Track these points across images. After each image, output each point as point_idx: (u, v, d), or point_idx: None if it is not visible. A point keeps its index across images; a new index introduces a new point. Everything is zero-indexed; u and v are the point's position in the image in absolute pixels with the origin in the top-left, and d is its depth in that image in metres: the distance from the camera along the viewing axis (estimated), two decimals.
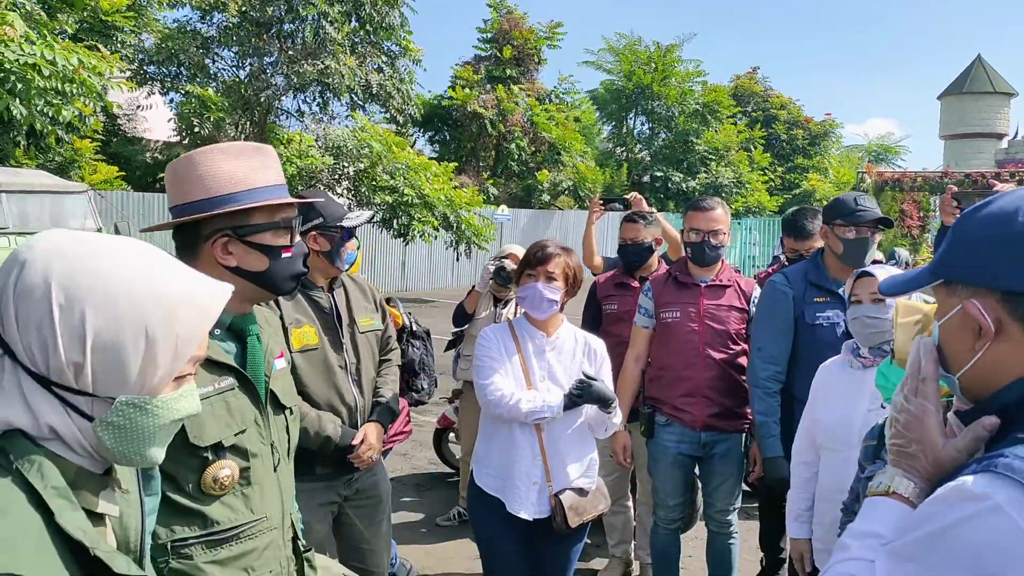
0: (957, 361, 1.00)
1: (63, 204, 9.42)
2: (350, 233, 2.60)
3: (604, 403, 2.57)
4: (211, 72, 16.71)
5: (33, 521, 0.86)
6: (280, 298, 2.36)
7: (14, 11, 10.65)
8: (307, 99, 17.69)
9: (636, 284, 3.73)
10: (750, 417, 3.21)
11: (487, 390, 2.56)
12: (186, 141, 16.33)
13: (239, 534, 1.59)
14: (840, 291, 2.89)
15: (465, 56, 24.39)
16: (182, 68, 16.19)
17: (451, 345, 4.68)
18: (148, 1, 15.90)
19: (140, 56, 15.81)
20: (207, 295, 1.02)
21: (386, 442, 3.06)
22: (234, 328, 1.65)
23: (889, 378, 1.80)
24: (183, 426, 1.46)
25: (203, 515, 1.55)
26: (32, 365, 0.92)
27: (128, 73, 14.67)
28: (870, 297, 2.41)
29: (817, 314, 2.99)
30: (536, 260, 2.63)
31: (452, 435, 5.30)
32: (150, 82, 16.26)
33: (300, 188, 14.21)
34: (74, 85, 10.05)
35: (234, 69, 17.15)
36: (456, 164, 18.94)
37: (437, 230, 15.83)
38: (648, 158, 27.82)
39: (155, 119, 17.42)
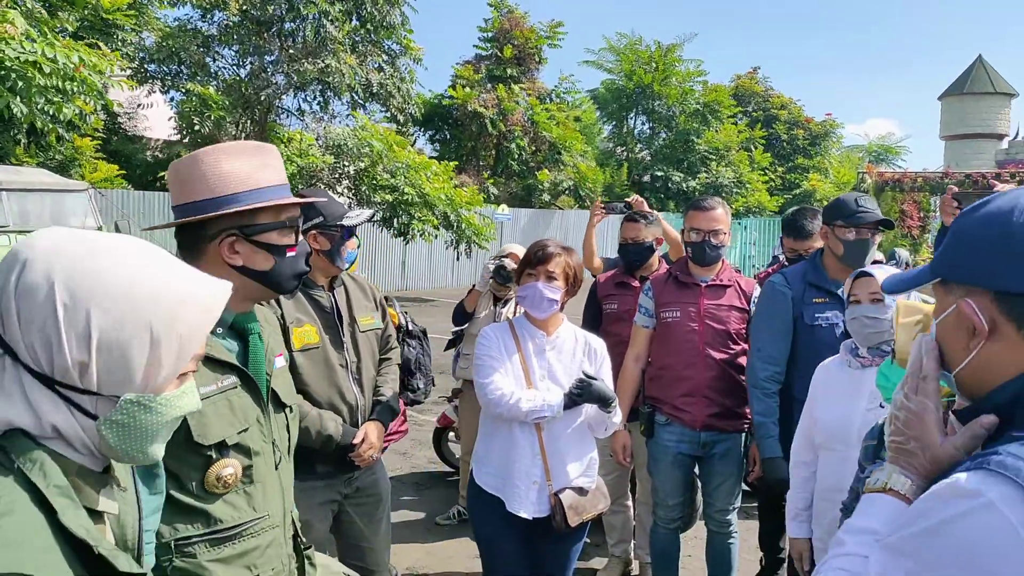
0: (953, 359, 1.01)
1: (63, 202, 9.42)
2: (350, 232, 2.60)
3: (604, 402, 2.57)
4: (212, 71, 16.72)
5: (37, 520, 0.87)
6: (281, 297, 2.36)
7: (15, 9, 10.66)
8: (307, 98, 17.74)
9: (636, 284, 3.73)
10: (750, 417, 3.21)
11: (487, 389, 2.56)
12: (186, 140, 16.35)
13: (242, 532, 1.59)
14: (839, 292, 2.89)
15: (466, 55, 24.45)
16: (183, 66, 16.20)
17: (451, 344, 4.68)
18: None
19: (141, 54, 15.82)
20: (209, 294, 1.02)
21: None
22: (236, 327, 1.66)
23: (890, 378, 1.80)
24: (187, 425, 1.48)
25: (207, 513, 1.55)
26: (35, 365, 0.92)
27: (129, 71, 14.68)
28: (869, 297, 2.41)
29: (816, 315, 2.98)
30: (536, 259, 2.63)
31: (452, 434, 5.31)
32: (151, 80, 16.27)
33: (301, 187, 14.19)
34: (75, 83, 10.05)
35: (235, 68, 17.18)
36: (456, 163, 18.93)
37: (437, 229, 15.83)
38: (648, 158, 27.82)
39: (156, 117, 17.42)
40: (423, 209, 15.34)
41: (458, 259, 17.74)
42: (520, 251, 4.15)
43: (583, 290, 3.17)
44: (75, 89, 10.10)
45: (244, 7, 15.87)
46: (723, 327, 3.23)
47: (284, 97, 17.39)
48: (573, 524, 2.57)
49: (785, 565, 3.38)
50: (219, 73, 16.95)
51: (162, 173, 14.02)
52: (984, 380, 0.97)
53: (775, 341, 3.02)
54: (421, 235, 15.79)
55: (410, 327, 3.98)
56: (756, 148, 28.55)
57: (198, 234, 1.59)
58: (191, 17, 16.60)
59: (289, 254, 1.64)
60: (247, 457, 1.61)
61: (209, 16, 16.39)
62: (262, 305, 1.86)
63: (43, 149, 13.03)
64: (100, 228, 9.30)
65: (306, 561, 1.77)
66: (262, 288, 1.65)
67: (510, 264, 4.19)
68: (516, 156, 22.20)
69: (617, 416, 2.67)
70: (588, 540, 3.22)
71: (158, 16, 16.63)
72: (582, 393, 2.52)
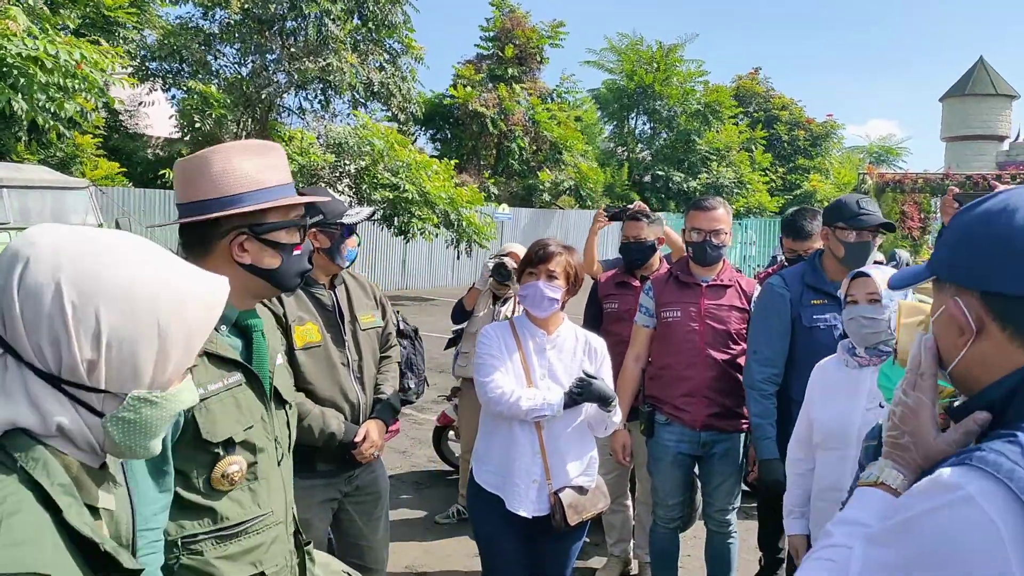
0: (947, 357, 1.02)
1: (64, 200, 9.42)
2: (350, 230, 2.60)
3: (604, 401, 2.57)
4: (213, 69, 16.72)
5: (44, 519, 0.87)
6: (283, 295, 2.37)
7: (17, 6, 10.65)
8: (309, 96, 17.74)
9: (637, 283, 3.73)
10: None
11: (487, 388, 2.57)
12: (187, 138, 16.35)
13: (247, 529, 1.60)
14: (838, 293, 2.89)
15: (467, 55, 24.43)
16: (184, 64, 16.20)
17: (451, 343, 4.68)
18: None
19: (142, 52, 15.81)
20: (210, 290, 1.03)
21: None
22: (238, 324, 1.67)
23: (891, 378, 1.80)
24: (195, 423, 1.49)
25: (213, 511, 1.56)
26: (41, 364, 0.91)
27: (130, 69, 14.67)
28: (866, 297, 2.41)
29: (814, 316, 2.97)
30: (537, 259, 2.63)
31: (452, 433, 5.31)
32: (152, 78, 16.26)
33: (302, 185, 14.18)
34: (76, 80, 10.05)
35: (236, 66, 17.17)
36: (457, 162, 18.93)
37: (438, 228, 15.84)
38: (649, 158, 27.81)
39: (156, 115, 17.43)
40: (423, 208, 15.34)
41: (458, 258, 17.74)
42: (520, 250, 4.15)
43: (584, 289, 3.17)
44: (76, 86, 10.10)
45: (246, 5, 15.87)
46: (724, 327, 3.23)
47: (285, 96, 17.40)
48: (573, 523, 2.57)
49: (784, 565, 3.39)
50: (220, 71, 16.95)
51: (163, 171, 14.05)
52: (976, 378, 0.99)
53: (773, 343, 3.01)
54: (421, 234, 15.79)
55: (401, 326, 3.98)
56: (757, 149, 28.55)
57: (206, 232, 1.60)
58: (192, 15, 16.62)
59: (295, 252, 1.66)
60: (252, 454, 1.62)
61: (211, 14, 16.39)
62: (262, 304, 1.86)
63: (44, 146, 13.04)
64: (101, 225, 9.29)
65: (306, 557, 1.79)
66: (267, 286, 1.67)
67: (510, 262, 4.19)
68: (517, 156, 22.19)
69: (617, 415, 2.67)
70: (587, 539, 3.22)
71: (160, 14, 16.64)
72: (582, 392, 2.52)
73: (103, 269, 0.93)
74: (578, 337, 2.74)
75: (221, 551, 1.56)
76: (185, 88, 15.94)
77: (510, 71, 22.75)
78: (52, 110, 10.07)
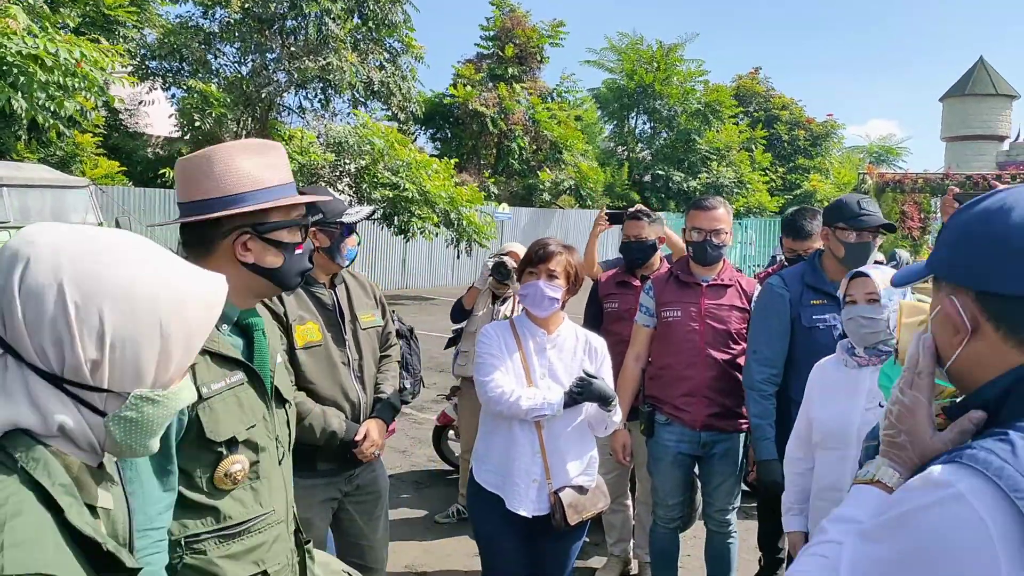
0: (944, 355, 1.03)
1: (64, 199, 9.41)
2: (350, 229, 2.60)
3: (604, 401, 2.57)
4: (213, 68, 16.70)
5: (46, 520, 0.87)
6: (283, 294, 2.38)
7: (17, 4, 10.65)
8: (309, 95, 17.70)
9: (637, 283, 3.73)
10: None
11: (488, 387, 2.56)
12: (187, 137, 16.33)
13: (250, 528, 1.60)
14: (838, 293, 2.88)
15: (467, 54, 24.41)
16: (184, 63, 16.18)
17: (451, 343, 4.68)
18: None
19: (142, 51, 15.80)
20: (210, 289, 1.03)
21: None
22: (239, 323, 1.67)
23: (892, 378, 1.80)
24: (199, 422, 1.49)
25: (216, 510, 1.56)
26: (44, 364, 0.91)
27: (130, 68, 14.66)
28: (864, 297, 2.41)
29: (814, 316, 2.97)
30: (538, 258, 2.63)
31: (451, 432, 5.30)
32: (152, 77, 16.25)
33: (301, 184, 14.15)
34: (76, 79, 10.04)
35: (236, 65, 17.14)
36: (457, 160, 18.92)
37: (438, 227, 15.83)
38: (649, 157, 27.80)
39: (156, 114, 17.41)
40: (423, 207, 15.34)
41: (458, 257, 17.73)
42: (520, 250, 4.15)
43: (584, 289, 3.17)
44: (76, 85, 10.09)
45: (246, 4, 15.85)
46: (724, 327, 3.23)
47: (285, 95, 17.37)
48: (573, 523, 2.57)
49: (784, 565, 3.39)
50: (220, 70, 16.92)
51: (163, 170, 14.04)
52: (972, 376, 0.99)
53: (772, 343, 3.01)
54: (421, 233, 15.78)
55: (397, 326, 3.98)
56: (757, 148, 28.54)
57: (208, 232, 1.60)
58: (192, 14, 16.59)
59: (297, 252, 1.67)
60: (255, 453, 1.62)
61: (211, 13, 16.36)
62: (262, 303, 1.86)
63: (44, 145, 13.03)
64: (101, 224, 9.28)
65: (306, 555, 1.79)
66: (269, 285, 1.67)
67: (509, 262, 4.19)
68: (517, 155, 22.19)
69: (617, 415, 2.66)
70: (587, 539, 3.22)
71: (160, 13, 16.61)
72: (582, 391, 2.52)
73: (103, 269, 0.93)
74: (578, 336, 2.73)
75: (224, 550, 1.56)
76: (185, 87, 15.92)
77: (510, 70, 22.74)
78: (52, 109, 10.06)
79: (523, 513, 2.57)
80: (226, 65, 17.12)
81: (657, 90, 26.88)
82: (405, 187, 14.93)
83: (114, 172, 14.48)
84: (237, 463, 1.57)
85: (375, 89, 17.24)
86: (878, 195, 19.06)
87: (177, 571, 1.52)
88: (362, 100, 17.59)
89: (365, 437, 2.59)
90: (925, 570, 0.84)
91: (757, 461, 3.01)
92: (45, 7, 12.25)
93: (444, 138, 23.05)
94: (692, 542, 3.96)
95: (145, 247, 0.99)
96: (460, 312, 4.45)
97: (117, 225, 8.90)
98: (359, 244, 2.72)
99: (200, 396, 1.49)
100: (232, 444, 1.57)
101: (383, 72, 17.38)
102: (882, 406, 2.11)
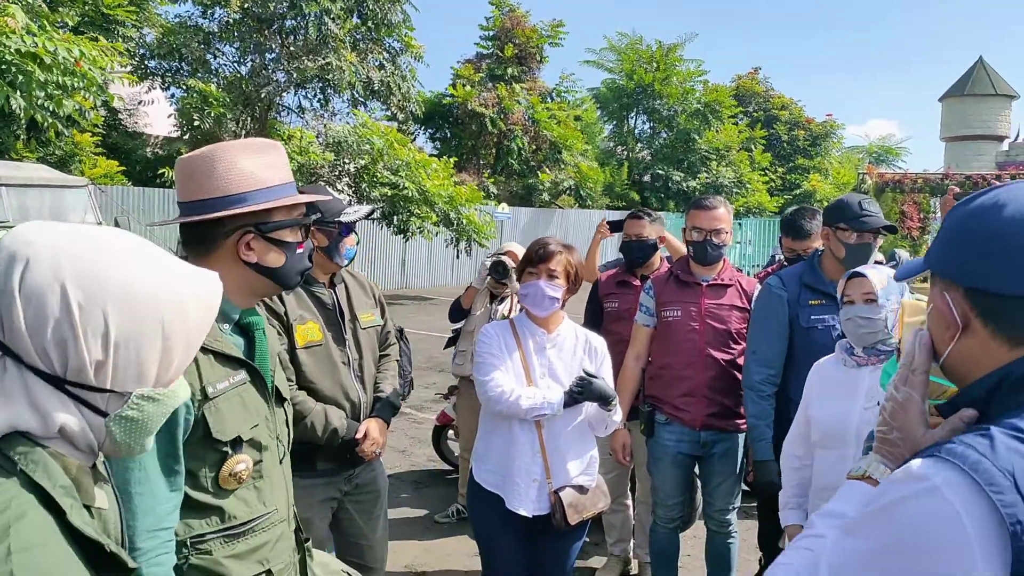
0: (938, 350, 1.03)
1: (63, 198, 9.39)
2: (349, 228, 2.59)
3: (604, 401, 2.56)
4: (212, 67, 16.70)
5: (49, 523, 0.86)
6: (284, 294, 2.37)
7: (15, 3, 10.63)
8: (308, 95, 17.70)
9: (637, 283, 3.73)
10: None
11: (487, 386, 2.56)
12: (187, 136, 16.32)
13: (254, 527, 1.61)
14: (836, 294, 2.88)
15: (467, 54, 24.40)
16: (183, 63, 16.18)
17: (451, 342, 4.68)
18: None
19: (141, 51, 15.79)
20: (209, 289, 1.03)
21: None
22: (240, 323, 1.67)
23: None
24: (206, 422, 1.49)
25: (221, 509, 1.56)
26: (46, 366, 0.90)
27: (129, 67, 14.65)
28: (862, 297, 2.41)
29: (812, 317, 2.96)
30: (538, 258, 2.63)
31: (451, 432, 5.30)
32: (151, 77, 16.24)
33: (301, 184, 14.14)
34: (75, 78, 10.03)
35: (235, 64, 17.14)
36: (456, 160, 18.92)
37: (437, 227, 15.83)
38: (649, 157, 27.82)
39: (156, 114, 17.40)
40: (423, 206, 15.33)
41: (458, 257, 17.72)
42: (518, 249, 4.15)
43: (584, 288, 3.16)
44: (75, 84, 10.08)
45: (245, 4, 15.84)
46: (724, 327, 3.22)
47: (285, 94, 17.36)
48: (573, 522, 2.56)
49: None
50: (220, 70, 16.92)
51: (162, 170, 14.01)
52: (965, 373, 0.99)
53: (770, 344, 3.00)
54: (421, 232, 15.78)
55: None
56: (756, 148, 28.56)
57: (210, 231, 1.59)
58: (192, 14, 16.59)
59: (298, 251, 1.67)
60: (258, 452, 1.62)
61: (210, 13, 16.36)
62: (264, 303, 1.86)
63: (43, 144, 13.02)
64: (99, 224, 9.26)
65: (306, 554, 1.79)
66: (271, 284, 1.67)
67: (507, 261, 4.18)
68: (516, 155, 22.18)
69: (617, 415, 2.66)
70: (587, 539, 3.22)
71: (159, 12, 16.61)
72: (583, 391, 2.52)
73: (102, 269, 0.92)
74: (578, 336, 2.73)
75: (229, 550, 1.56)
76: (184, 87, 15.91)
77: (510, 70, 22.74)
78: (51, 108, 10.05)
79: (523, 513, 2.56)
80: (225, 65, 17.12)
81: (657, 90, 26.89)
82: (404, 186, 14.93)
83: (113, 172, 14.48)
84: (241, 462, 1.57)
85: (374, 89, 17.24)
86: (877, 195, 19.07)
87: (183, 571, 1.52)
88: (361, 100, 17.59)
89: (366, 436, 2.58)
90: (902, 562, 0.85)
91: (754, 462, 3.01)
92: (44, 6, 12.24)
93: (443, 138, 23.05)
94: (692, 542, 3.96)
95: (142, 246, 0.99)
96: (458, 312, 4.45)
97: (116, 224, 8.89)
98: (358, 243, 2.71)
99: (206, 396, 1.50)
100: (237, 443, 1.57)
101: (382, 72, 17.38)
102: (880, 405, 2.11)
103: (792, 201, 25.97)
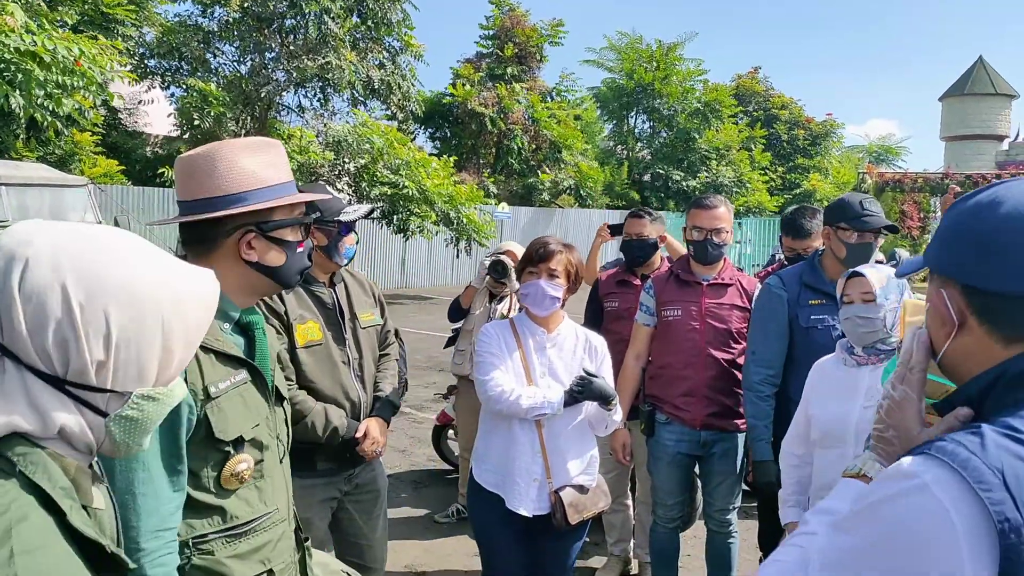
0: (936, 349, 1.03)
1: (63, 198, 9.39)
2: (348, 227, 2.58)
3: (605, 400, 2.56)
4: (212, 67, 16.69)
5: (50, 524, 0.86)
6: (284, 294, 2.37)
7: (14, 1, 10.62)
8: (308, 94, 17.69)
9: (638, 282, 3.72)
10: None
11: (487, 386, 2.55)
12: (186, 136, 16.31)
13: (255, 527, 1.61)
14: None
15: (467, 53, 24.39)
16: (183, 62, 16.18)
17: (451, 342, 4.67)
18: None
19: (141, 50, 15.79)
20: (208, 288, 1.03)
21: None
22: (239, 322, 1.66)
23: None
24: (208, 421, 1.49)
25: (222, 509, 1.56)
26: (46, 366, 0.90)
27: (129, 67, 14.64)
28: (861, 297, 2.41)
29: (812, 317, 2.95)
30: (538, 257, 2.62)
31: (451, 432, 5.29)
32: (151, 76, 16.24)
33: (301, 183, 14.12)
34: (75, 77, 10.02)
35: (235, 64, 17.13)
36: (456, 158, 18.91)
37: (437, 226, 15.82)
38: (649, 157, 27.82)
39: (155, 113, 17.40)
40: (422, 205, 15.33)
41: (457, 256, 17.72)
42: (517, 249, 4.14)
43: (584, 288, 3.16)
44: (75, 83, 10.07)
45: (245, 3, 15.83)
46: (724, 326, 3.22)
47: (284, 93, 17.35)
48: (573, 522, 2.56)
49: None
50: (219, 69, 16.91)
51: (162, 169, 14.00)
52: (961, 371, 0.99)
53: (770, 344, 2.99)
54: (420, 232, 15.78)
55: None
56: (756, 148, 28.56)
57: (210, 230, 1.59)
58: (191, 13, 16.58)
59: (299, 250, 1.67)
60: (259, 451, 1.62)
61: (210, 12, 16.35)
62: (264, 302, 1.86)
63: (42, 143, 13.01)
64: (99, 223, 9.25)
65: (306, 553, 1.79)
66: (271, 283, 1.67)
67: (507, 260, 4.18)
68: (516, 154, 22.18)
69: (618, 414, 2.66)
70: (587, 539, 3.21)
71: (158, 11, 16.60)
72: (583, 390, 2.51)
73: (102, 268, 0.92)
74: (578, 335, 2.73)
75: (232, 550, 1.56)
76: (184, 86, 15.91)
77: (510, 70, 22.73)
78: (50, 107, 10.04)
79: (523, 512, 2.56)
80: (225, 64, 17.11)
81: (656, 89, 26.89)
82: (404, 185, 14.92)
83: (113, 171, 14.47)
84: (243, 462, 1.57)
85: (374, 88, 17.23)
86: (877, 194, 19.09)
87: (185, 572, 1.52)
88: (361, 99, 17.57)
89: (366, 435, 2.58)
90: (891, 559, 0.85)
91: (753, 462, 3.00)
92: (43, 4, 12.24)
93: (443, 137, 23.05)
94: (692, 542, 3.95)
95: (140, 245, 0.98)
96: (457, 311, 4.44)
97: (116, 224, 8.88)
98: (357, 243, 2.71)
99: (209, 395, 1.50)
100: (239, 443, 1.57)
101: (382, 71, 17.37)
102: None
103: (792, 200, 25.96)
